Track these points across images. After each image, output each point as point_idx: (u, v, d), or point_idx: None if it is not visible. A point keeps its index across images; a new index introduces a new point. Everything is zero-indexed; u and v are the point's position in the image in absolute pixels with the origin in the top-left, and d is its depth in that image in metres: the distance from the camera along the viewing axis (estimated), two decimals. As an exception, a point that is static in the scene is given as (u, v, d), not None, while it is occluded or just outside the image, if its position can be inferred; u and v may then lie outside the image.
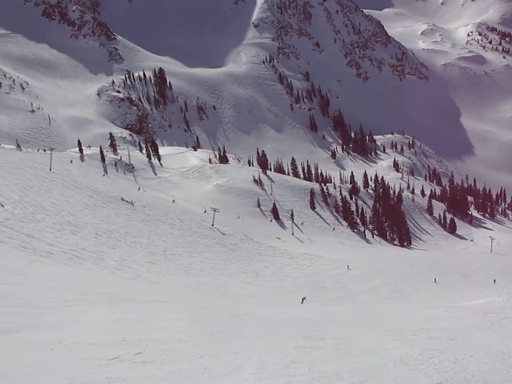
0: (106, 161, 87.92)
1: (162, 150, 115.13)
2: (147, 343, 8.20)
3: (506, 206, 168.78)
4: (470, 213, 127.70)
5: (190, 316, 12.87)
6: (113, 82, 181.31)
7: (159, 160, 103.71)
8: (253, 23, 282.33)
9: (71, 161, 76.74)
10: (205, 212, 62.72)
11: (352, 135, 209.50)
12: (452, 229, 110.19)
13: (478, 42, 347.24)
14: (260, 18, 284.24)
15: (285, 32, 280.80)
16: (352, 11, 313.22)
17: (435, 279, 41.56)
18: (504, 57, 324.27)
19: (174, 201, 65.89)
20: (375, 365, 8.30)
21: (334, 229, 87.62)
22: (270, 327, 11.95)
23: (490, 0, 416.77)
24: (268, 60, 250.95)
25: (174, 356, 7.68)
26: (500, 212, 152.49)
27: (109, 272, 23.56)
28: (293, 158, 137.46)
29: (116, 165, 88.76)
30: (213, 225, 53.74)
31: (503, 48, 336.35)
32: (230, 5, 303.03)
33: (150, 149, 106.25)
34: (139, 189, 70.96)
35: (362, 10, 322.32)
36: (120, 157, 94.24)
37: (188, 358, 7.69)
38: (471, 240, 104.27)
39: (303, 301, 25.97)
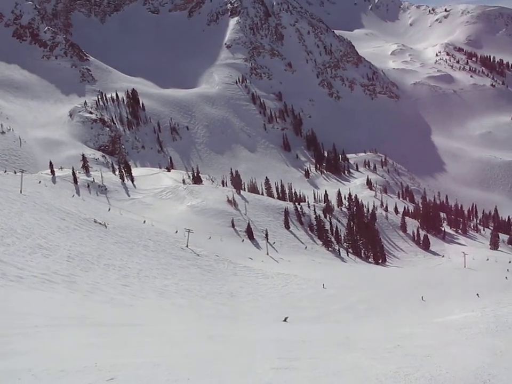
0: (78, 183, 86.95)
1: (135, 171, 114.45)
2: (120, 368, 8.03)
3: (478, 221, 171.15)
4: (443, 229, 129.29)
5: (164, 339, 12.69)
6: (85, 103, 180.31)
7: (132, 181, 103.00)
8: (225, 44, 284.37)
9: (40, 182, 75.71)
10: (176, 232, 62.33)
11: (325, 154, 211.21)
12: (425, 246, 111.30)
13: (446, 62, 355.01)
14: (233, 39, 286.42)
15: (258, 53, 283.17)
16: (323, 32, 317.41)
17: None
18: (471, 76, 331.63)
19: (144, 221, 65.41)
20: (351, 385, 8.23)
21: (306, 247, 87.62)
22: (245, 348, 11.83)
23: (456, 22, 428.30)
24: (240, 80, 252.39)
25: (147, 380, 7.52)
26: (472, 228, 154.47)
27: (82, 296, 23.15)
28: (266, 177, 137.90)
29: (88, 186, 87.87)
30: (187, 246, 53.39)
31: (470, 68, 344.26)
32: (202, 26, 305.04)
33: (123, 170, 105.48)
34: (109, 209, 70.30)
35: (333, 31, 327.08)
36: (93, 178, 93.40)
37: (162, 382, 7.54)
38: (443, 256, 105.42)
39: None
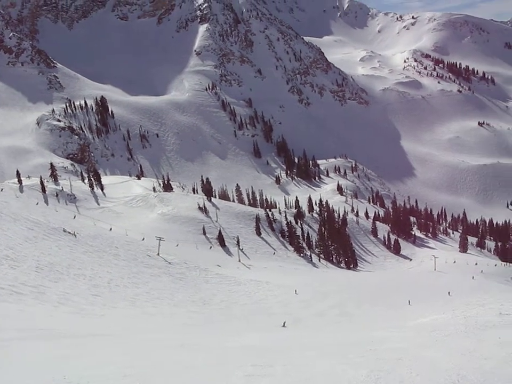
0: (47, 192, 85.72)
1: (105, 179, 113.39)
2: (89, 380, 7.89)
3: (447, 225, 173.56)
4: (413, 233, 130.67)
5: (136, 348, 12.55)
6: (53, 111, 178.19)
7: (102, 189, 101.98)
8: (195, 50, 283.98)
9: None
10: (143, 239, 61.95)
11: (296, 160, 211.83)
12: (396, 250, 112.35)
13: (414, 68, 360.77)
14: (202, 46, 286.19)
15: (227, 60, 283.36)
16: (292, 38, 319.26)
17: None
18: (438, 82, 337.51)
19: (111, 229, 64.76)
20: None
21: (274, 253, 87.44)
22: (218, 356, 11.76)
23: (423, 29, 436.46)
24: (210, 87, 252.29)
25: (117, 392, 7.42)
26: (442, 231, 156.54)
27: (51, 307, 22.80)
28: (237, 184, 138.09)
29: (57, 195, 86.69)
30: (158, 254, 53.03)
31: (437, 74, 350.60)
32: (172, 33, 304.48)
33: (92, 179, 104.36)
34: (74, 217, 69.17)
35: (302, 38, 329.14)
36: (62, 187, 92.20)
37: (132, 394, 7.44)
38: (411, 260, 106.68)
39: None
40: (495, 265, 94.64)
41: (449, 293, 43.80)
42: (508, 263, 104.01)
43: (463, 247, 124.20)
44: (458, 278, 70.51)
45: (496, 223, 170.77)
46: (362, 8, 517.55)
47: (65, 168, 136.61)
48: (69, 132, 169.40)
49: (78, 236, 48.38)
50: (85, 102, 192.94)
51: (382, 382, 8.67)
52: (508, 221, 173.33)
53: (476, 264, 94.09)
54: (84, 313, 23.32)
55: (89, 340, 13.91)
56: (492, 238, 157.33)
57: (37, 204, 72.79)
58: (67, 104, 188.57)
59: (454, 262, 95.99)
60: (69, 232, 48.57)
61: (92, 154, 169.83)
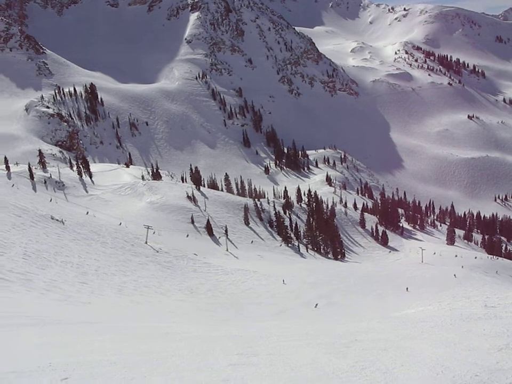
0: (35, 179, 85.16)
1: (93, 167, 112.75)
2: (75, 367, 7.91)
3: (435, 217, 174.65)
4: (401, 225, 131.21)
5: (122, 336, 12.57)
6: (42, 97, 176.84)
7: (91, 177, 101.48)
8: (185, 39, 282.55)
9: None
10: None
11: (285, 150, 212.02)
12: (384, 241, 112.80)
13: (405, 60, 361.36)
14: (193, 35, 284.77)
15: (218, 49, 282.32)
16: (284, 28, 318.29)
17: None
18: (429, 75, 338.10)
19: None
20: (308, 379, 8.27)
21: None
22: (203, 344, 11.80)
23: (415, 21, 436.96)
24: (200, 76, 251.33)
25: (102, 379, 7.44)
26: (429, 223, 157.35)
27: (38, 294, 22.77)
28: (226, 174, 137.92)
29: (45, 182, 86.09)
30: (146, 242, 53.00)
31: (428, 66, 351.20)
32: (162, 21, 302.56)
33: (81, 166, 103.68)
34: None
35: (294, 28, 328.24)
36: (50, 174, 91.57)
37: (118, 380, 7.46)
38: (397, 252, 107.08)
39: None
40: (475, 257, 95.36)
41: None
42: (493, 256, 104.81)
43: (450, 240, 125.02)
44: (445, 270, 70.99)
45: (484, 216, 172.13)
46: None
47: (53, 155, 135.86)
48: (57, 119, 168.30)
49: (66, 223, 48.23)
50: (74, 89, 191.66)
51: (366, 372, 8.72)
52: (495, 214, 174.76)
53: (456, 256, 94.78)
54: (71, 300, 23.30)
55: (76, 327, 13.92)
56: (479, 231, 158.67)
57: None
58: (56, 91, 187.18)
59: (434, 253, 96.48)
60: (57, 220, 48.41)
61: (81, 142, 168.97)
